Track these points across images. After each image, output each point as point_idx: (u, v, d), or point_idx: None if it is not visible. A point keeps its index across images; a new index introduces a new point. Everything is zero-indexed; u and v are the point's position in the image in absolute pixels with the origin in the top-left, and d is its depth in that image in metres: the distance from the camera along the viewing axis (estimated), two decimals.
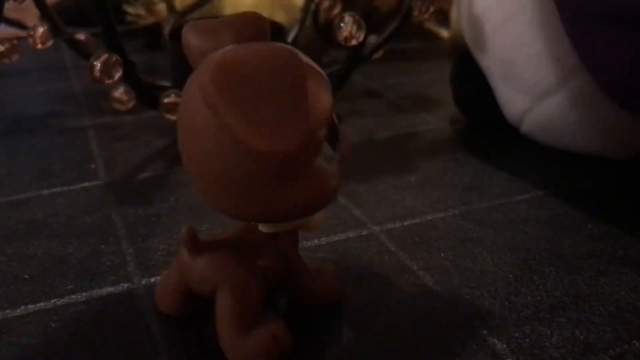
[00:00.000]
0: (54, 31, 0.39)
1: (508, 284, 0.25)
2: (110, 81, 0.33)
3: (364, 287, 0.25)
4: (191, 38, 0.19)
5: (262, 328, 0.20)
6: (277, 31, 0.45)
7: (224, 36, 0.19)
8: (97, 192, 0.33)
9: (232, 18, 0.20)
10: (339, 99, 0.44)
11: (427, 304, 0.24)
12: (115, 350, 0.22)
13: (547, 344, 0.22)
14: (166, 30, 0.50)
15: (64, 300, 0.24)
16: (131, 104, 0.40)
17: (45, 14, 0.40)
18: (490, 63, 0.36)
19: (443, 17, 0.61)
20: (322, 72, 0.19)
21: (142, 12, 0.58)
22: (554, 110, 0.34)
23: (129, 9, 0.58)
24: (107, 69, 0.33)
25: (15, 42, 0.39)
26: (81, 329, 0.23)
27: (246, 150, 0.17)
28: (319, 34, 0.52)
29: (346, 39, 0.33)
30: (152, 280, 0.25)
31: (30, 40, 0.38)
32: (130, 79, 0.35)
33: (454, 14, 0.56)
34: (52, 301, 0.24)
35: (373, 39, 0.45)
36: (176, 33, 0.44)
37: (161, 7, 0.56)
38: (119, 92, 0.41)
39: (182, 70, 0.42)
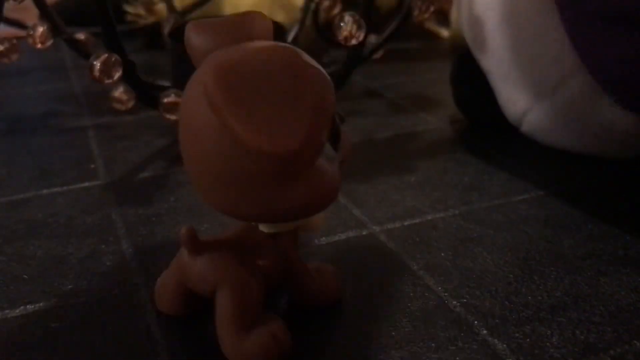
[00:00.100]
0: (54, 31, 0.39)
1: (508, 284, 0.25)
2: (110, 81, 0.33)
3: (364, 287, 0.25)
4: (193, 37, 0.19)
5: (262, 328, 0.20)
6: (277, 31, 0.45)
7: (227, 35, 0.19)
8: (97, 192, 0.33)
9: (234, 17, 0.19)
10: (339, 98, 0.44)
11: (427, 304, 0.24)
12: (115, 350, 0.22)
13: (548, 343, 0.22)
14: (166, 30, 0.50)
15: (63, 300, 0.24)
16: (131, 104, 0.40)
17: (45, 14, 0.40)
18: (490, 63, 0.36)
19: (443, 17, 0.61)
20: (325, 72, 0.19)
21: (142, 11, 0.58)
22: (554, 109, 0.34)
23: (129, 8, 0.58)
24: (106, 69, 0.33)
25: (15, 41, 0.39)
26: (81, 329, 0.23)
27: (247, 150, 0.17)
28: (319, 33, 0.52)
29: (346, 39, 0.33)
30: (152, 280, 0.25)
31: (30, 40, 0.38)
32: (130, 78, 0.35)
33: (454, 14, 0.56)
34: (52, 301, 0.24)
35: (373, 38, 0.45)
36: (176, 33, 0.44)
37: (161, 7, 0.56)
38: (119, 92, 0.41)
39: (182, 70, 0.42)
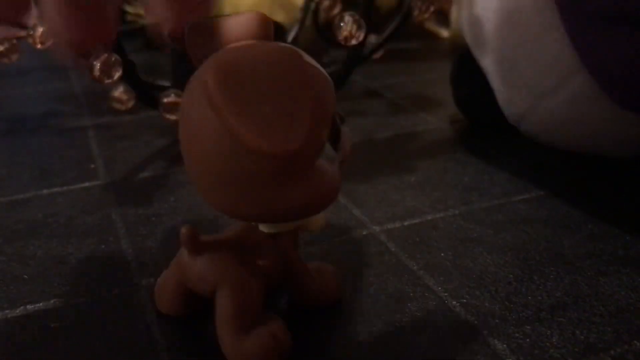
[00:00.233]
0: None
1: (508, 284, 0.25)
2: (109, 81, 0.33)
3: (364, 287, 0.25)
4: (194, 37, 0.19)
5: (262, 328, 0.20)
6: (277, 31, 0.45)
7: (227, 35, 0.19)
8: (97, 192, 0.33)
9: (234, 17, 0.19)
10: (339, 98, 0.44)
11: (426, 304, 0.24)
12: (115, 350, 0.22)
13: (548, 344, 0.22)
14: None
15: (63, 300, 0.24)
16: (131, 104, 0.40)
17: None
18: (490, 63, 0.36)
19: (443, 17, 0.61)
20: (325, 72, 0.19)
21: (142, 11, 0.58)
22: (554, 110, 0.34)
23: (129, 8, 0.58)
24: (106, 69, 0.33)
25: (15, 41, 0.39)
26: (81, 329, 0.23)
27: (247, 150, 0.17)
28: (319, 33, 0.52)
29: (346, 39, 0.33)
30: (152, 280, 0.25)
31: (30, 40, 0.38)
32: (130, 78, 0.35)
33: (453, 14, 0.56)
34: (52, 301, 0.24)
35: (373, 38, 0.45)
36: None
37: None
38: (119, 92, 0.41)
39: (182, 70, 0.42)
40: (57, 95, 0.48)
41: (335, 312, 0.23)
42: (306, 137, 0.17)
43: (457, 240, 0.28)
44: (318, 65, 0.19)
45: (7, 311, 0.24)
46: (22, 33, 0.40)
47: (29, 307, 0.24)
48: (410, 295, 0.24)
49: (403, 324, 0.23)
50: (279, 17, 0.51)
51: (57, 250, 0.27)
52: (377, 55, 0.45)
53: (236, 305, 0.20)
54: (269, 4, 0.52)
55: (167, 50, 0.43)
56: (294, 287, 0.23)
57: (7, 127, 0.42)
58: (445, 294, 0.24)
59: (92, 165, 0.36)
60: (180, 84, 0.41)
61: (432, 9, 0.38)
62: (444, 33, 0.63)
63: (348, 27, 0.33)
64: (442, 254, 0.27)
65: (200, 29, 0.19)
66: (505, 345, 0.22)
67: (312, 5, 0.50)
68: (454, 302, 0.24)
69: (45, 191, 0.33)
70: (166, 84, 0.43)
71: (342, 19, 0.33)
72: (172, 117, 0.38)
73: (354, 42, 0.34)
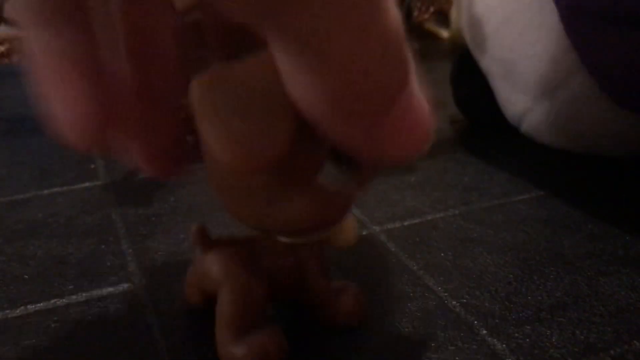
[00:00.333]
0: None
1: (508, 283, 0.25)
2: None
3: (364, 287, 0.25)
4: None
5: (256, 336, 0.20)
6: None
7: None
8: (97, 192, 0.33)
9: None
10: None
11: (426, 304, 0.24)
12: (116, 351, 0.22)
13: (547, 344, 0.22)
14: None
15: (63, 300, 0.24)
16: None
17: None
18: (490, 63, 0.36)
19: (443, 18, 0.61)
20: None
21: None
22: (554, 110, 0.34)
23: None
24: None
25: (15, 42, 0.39)
26: (81, 329, 0.23)
27: (221, 162, 0.17)
28: None
29: None
30: (152, 280, 0.25)
31: None
32: None
33: (453, 14, 0.56)
34: (52, 301, 0.24)
35: None
36: None
37: None
38: None
39: None
40: None
41: None
42: (282, 150, 0.17)
43: (457, 240, 0.28)
44: None
45: (7, 311, 0.24)
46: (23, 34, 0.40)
47: (29, 307, 0.24)
48: (410, 295, 0.24)
49: (403, 324, 0.23)
50: None
51: (57, 250, 0.28)
52: None
53: (234, 306, 0.20)
54: None
55: None
56: (308, 302, 0.23)
57: (7, 127, 0.42)
58: (445, 294, 0.24)
59: (92, 166, 0.36)
60: None
61: (432, 9, 0.38)
62: (444, 33, 0.63)
63: None
64: (442, 254, 0.27)
65: None
66: (505, 345, 0.22)
67: None
68: (454, 302, 0.24)
69: (45, 191, 0.33)
70: None
71: None
72: None
73: None
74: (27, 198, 0.32)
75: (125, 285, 0.25)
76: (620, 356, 0.21)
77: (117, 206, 0.31)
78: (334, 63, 0.12)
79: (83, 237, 0.29)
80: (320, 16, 0.11)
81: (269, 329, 0.20)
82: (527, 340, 0.22)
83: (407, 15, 0.39)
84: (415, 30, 0.62)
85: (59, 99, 0.13)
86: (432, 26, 0.63)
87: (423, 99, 0.14)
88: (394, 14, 0.12)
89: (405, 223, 0.29)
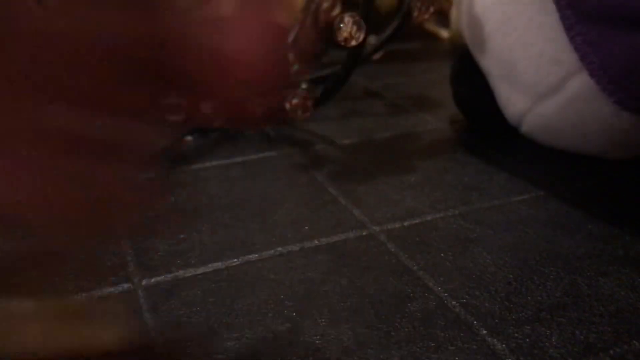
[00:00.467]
0: None
1: (508, 284, 0.25)
2: None
3: (364, 287, 0.25)
4: None
5: None
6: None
7: None
8: None
9: None
10: (339, 99, 0.44)
11: (426, 304, 0.24)
12: (115, 351, 0.22)
13: (547, 344, 0.22)
14: None
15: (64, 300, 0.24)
16: None
17: None
18: (490, 63, 0.36)
19: (443, 18, 0.61)
20: None
21: None
22: (554, 110, 0.34)
23: None
24: None
25: None
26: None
27: None
28: (318, 34, 0.52)
29: (346, 40, 0.33)
30: (153, 280, 0.25)
31: None
32: None
33: (453, 15, 0.56)
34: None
35: (373, 39, 0.45)
36: None
37: None
38: None
39: None
40: None
41: (335, 312, 0.23)
42: None
43: (457, 240, 0.28)
44: None
45: None
46: None
47: None
48: (410, 295, 0.24)
49: (403, 324, 0.23)
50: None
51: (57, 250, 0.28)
52: (377, 56, 0.45)
53: None
54: None
55: None
56: None
57: None
58: (445, 294, 0.24)
59: None
60: None
61: (432, 9, 0.38)
62: (444, 33, 0.63)
63: (348, 28, 0.33)
64: (442, 254, 0.27)
65: None
66: (504, 345, 0.22)
67: (312, 6, 0.50)
68: (454, 302, 0.24)
69: None
70: None
71: (341, 20, 0.33)
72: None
73: (353, 43, 0.34)
74: None
75: (125, 286, 0.25)
76: (620, 356, 0.21)
77: None
78: None
79: (83, 237, 0.28)
80: None
81: None
82: (527, 340, 0.22)
83: (407, 15, 0.39)
84: (415, 30, 0.62)
85: None
86: (432, 26, 0.63)
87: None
88: None
89: (405, 223, 0.29)
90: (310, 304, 0.24)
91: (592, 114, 0.33)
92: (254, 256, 0.27)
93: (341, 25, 0.33)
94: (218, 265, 0.26)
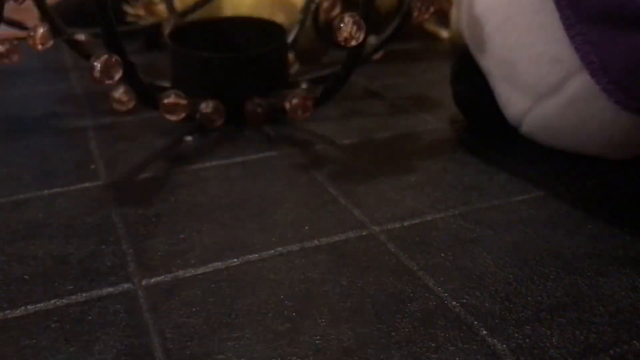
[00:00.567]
0: (54, 32, 0.39)
1: (508, 284, 0.25)
2: (110, 82, 0.33)
3: (364, 287, 0.25)
4: None
5: None
6: (277, 32, 0.45)
7: None
8: (97, 193, 0.33)
9: None
10: (339, 99, 0.44)
11: (426, 304, 0.24)
12: (116, 351, 0.22)
13: (547, 344, 0.22)
14: (166, 31, 0.50)
15: (64, 300, 0.24)
16: (131, 105, 0.40)
17: (46, 15, 0.40)
18: (490, 64, 0.36)
19: (443, 18, 0.61)
20: None
21: (141, 12, 0.58)
22: (554, 110, 0.34)
23: (129, 9, 0.58)
24: (107, 70, 0.33)
25: (15, 42, 0.39)
26: (81, 330, 0.23)
27: None
28: (318, 34, 0.52)
29: (346, 40, 0.33)
30: (153, 280, 0.25)
31: (31, 41, 0.38)
32: (130, 79, 0.35)
33: (453, 14, 0.56)
34: (52, 301, 0.24)
35: (373, 39, 0.45)
36: (176, 34, 0.44)
37: (161, 8, 0.56)
38: (119, 93, 0.41)
39: (181, 70, 0.43)
40: (57, 96, 0.48)
41: (335, 312, 0.23)
42: None
43: (457, 240, 0.28)
44: None
45: (7, 311, 0.24)
46: (23, 34, 0.40)
47: (29, 307, 0.24)
48: (410, 296, 0.24)
49: (403, 324, 0.23)
50: (279, 17, 0.51)
51: (58, 250, 0.28)
52: (377, 56, 0.45)
53: None
54: (269, 5, 0.52)
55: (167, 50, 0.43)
56: None
57: (7, 127, 0.42)
58: (445, 294, 0.24)
59: (93, 166, 0.36)
60: (180, 84, 0.42)
61: (432, 9, 0.38)
62: (444, 34, 0.63)
63: (348, 28, 0.33)
64: (442, 254, 0.27)
65: None
66: (504, 346, 0.22)
67: (312, 6, 0.50)
68: (454, 303, 0.24)
69: (45, 191, 0.33)
70: (166, 84, 0.43)
71: (341, 20, 0.33)
72: (173, 117, 0.38)
73: (353, 43, 0.34)
74: (28, 198, 0.32)
75: (126, 286, 0.25)
76: (620, 356, 0.21)
77: (117, 206, 0.31)
78: None
79: (83, 237, 0.29)
80: None
81: None
82: (527, 340, 0.22)
83: (407, 15, 0.39)
84: (415, 30, 0.62)
85: None
86: (432, 26, 0.63)
87: None
88: None
89: (405, 223, 0.29)
90: (310, 303, 0.24)
91: (593, 114, 0.33)
92: (254, 256, 0.27)
93: (341, 25, 0.33)
94: (218, 265, 0.26)
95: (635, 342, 0.22)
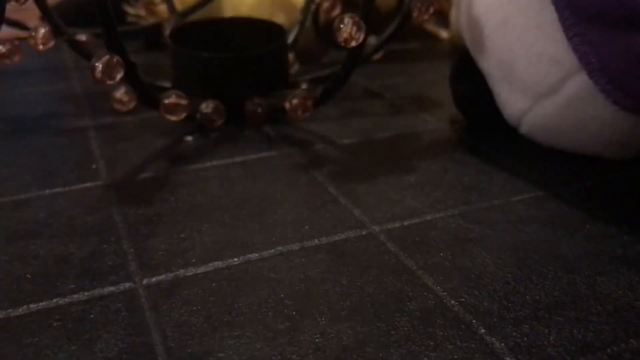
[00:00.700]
0: (55, 32, 0.39)
1: (507, 283, 0.25)
2: (111, 82, 0.33)
3: (363, 287, 0.25)
4: None
5: None
6: (277, 32, 0.45)
7: None
8: (98, 192, 0.33)
9: None
10: (339, 98, 0.45)
11: (425, 303, 0.24)
12: (116, 351, 0.22)
13: (545, 342, 0.22)
14: (167, 31, 0.50)
15: (65, 299, 0.24)
16: (132, 105, 0.40)
17: (47, 15, 0.40)
18: (490, 64, 0.37)
19: (443, 18, 0.61)
20: None
21: (142, 13, 0.58)
22: (553, 110, 0.34)
23: (129, 9, 0.58)
24: (108, 70, 0.33)
25: (17, 43, 0.40)
26: (82, 329, 0.23)
27: None
28: (318, 35, 0.52)
29: (346, 41, 0.34)
30: (153, 279, 0.26)
31: (32, 42, 0.39)
32: (131, 79, 0.36)
33: (453, 15, 0.56)
34: (54, 300, 0.24)
35: (373, 40, 0.45)
36: (177, 34, 0.44)
37: (162, 8, 0.56)
38: (120, 93, 0.41)
39: (182, 70, 0.43)
40: (58, 96, 0.48)
41: (334, 312, 0.23)
42: None
43: (457, 240, 0.28)
44: None
45: (9, 310, 0.24)
46: (24, 34, 0.40)
47: (31, 306, 0.24)
48: (410, 295, 0.24)
49: (402, 322, 0.23)
50: (279, 18, 0.51)
51: (59, 249, 0.28)
52: (377, 56, 0.45)
53: None
54: (269, 5, 0.52)
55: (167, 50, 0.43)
56: None
57: (8, 127, 0.42)
58: (444, 294, 0.24)
59: (94, 166, 0.36)
60: (180, 84, 0.42)
61: (431, 9, 0.38)
62: (444, 34, 0.63)
63: (348, 28, 0.33)
64: (442, 254, 0.27)
65: None
66: (503, 344, 0.22)
67: (312, 6, 0.50)
68: (453, 302, 0.24)
69: (46, 191, 0.33)
70: (167, 84, 0.43)
71: (341, 21, 0.33)
72: (173, 117, 0.38)
73: (353, 43, 0.34)
74: (29, 198, 0.32)
75: (127, 285, 0.25)
76: (618, 355, 0.21)
77: (118, 206, 0.31)
78: None
79: (84, 237, 0.29)
80: None
81: None
82: (526, 339, 0.22)
83: (407, 15, 0.39)
84: (415, 30, 0.63)
85: None
86: (432, 26, 0.63)
87: None
88: None
89: (405, 223, 0.30)
90: (310, 302, 0.24)
91: (591, 114, 0.33)
92: (254, 255, 0.27)
93: (341, 26, 0.33)
94: (218, 264, 0.27)
95: (632, 340, 0.22)
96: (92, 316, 0.23)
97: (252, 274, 0.26)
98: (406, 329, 0.23)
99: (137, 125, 0.42)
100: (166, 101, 0.38)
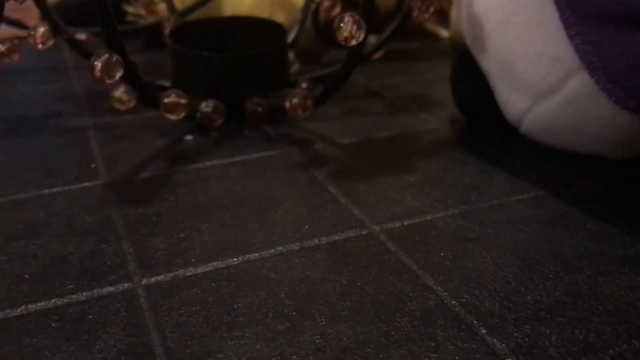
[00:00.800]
0: (55, 31, 0.39)
1: (507, 283, 0.25)
2: (111, 81, 0.33)
3: (363, 287, 0.25)
4: None
5: None
6: (277, 31, 0.45)
7: None
8: (97, 192, 0.33)
9: None
10: (339, 98, 0.45)
11: (426, 304, 0.24)
12: (116, 351, 0.22)
13: (547, 343, 0.22)
14: (167, 30, 0.50)
15: (64, 299, 0.24)
16: (131, 104, 0.40)
17: (46, 14, 0.40)
18: (490, 63, 0.37)
19: (443, 17, 0.61)
20: None
21: (142, 12, 0.58)
22: (554, 110, 0.34)
23: (129, 9, 0.58)
24: (107, 69, 0.33)
25: (16, 42, 0.39)
26: (81, 329, 0.23)
27: None
28: (319, 34, 0.52)
29: (346, 39, 0.33)
30: (153, 279, 0.25)
31: (31, 41, 0.38)
32: (130, 79, 0.36)
33: (453, 14, 0.56)
34: (53, 300, 0.24)
35: (373, 39, 0.45)
36: (176, 33, 0.44)
37: (161, 7, 0.56)
38: (120, 92, 0.41)
39: (181, 70, 0.43)
40: (57, 95, 0.48)
41: (334, 312, 0.23)
42: None
43: (457, 239, 0.28)
44: None
45: (8, 310, 0.24)
46: (23, 33, 0.40)
47: (30, 306, 0.24)
48: (410, 295, 0.24)
49: (402, 323, 0.23)
50: (279, 17, 0.51)
51: (58, 249, 0.28)
52: (377, 56, 0.45)
53: None
54: (269, 4, 0.52)
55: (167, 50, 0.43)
56: None
57: (7, 127, 0.42)
58: (445, 294, 0.24)
59: (93, 165, 0.36)
60: (180, 84, 0.42)
61: (432, 9, 0.38)
62: (444, 33, 0.63)
63: (348, 27, 0.33)
64: (442, 254, 0.27)
65: None
66: (504, 345, 0.22)
67: (312, 5, 0.50)
68: (453, 302, 0.24)
69: (45, 191, 0.33)
70: (167, 84, 0.43)
71: (342, 20, 0.33)
72: (173, 117, 0.38)
73: (353, 42, 0.34)
74: (28, 198, 0.32)
75: (126, 285, 0.25)
76: (619, 355, 0.21)
77: (118, 206, 0.31)
78: None
79: (84, 237, 0.29)
80: None
81: None
82: (527, 339, 0.22)
83: (407, 15, 0.39)
84: (415, 30, 0.62)
85: None
86: (432, 26, 0.63)
87: None
88: None
89: (405, 223, 0.30)
90: (310, 303, 0.24)
91: (592, 113, 0.33)
92: (254, 255, 0.27)
93: (341, 25, 0.33)
94: (218, 264, 0.26)
95: (634, 341, 0.22)
96: (91, 316, 0.23)
97: (251, 274, 0.26)
98: (406, 329, 0.22)
99: (137, 125, 0.42)
100: (166, 100, 0.37)
